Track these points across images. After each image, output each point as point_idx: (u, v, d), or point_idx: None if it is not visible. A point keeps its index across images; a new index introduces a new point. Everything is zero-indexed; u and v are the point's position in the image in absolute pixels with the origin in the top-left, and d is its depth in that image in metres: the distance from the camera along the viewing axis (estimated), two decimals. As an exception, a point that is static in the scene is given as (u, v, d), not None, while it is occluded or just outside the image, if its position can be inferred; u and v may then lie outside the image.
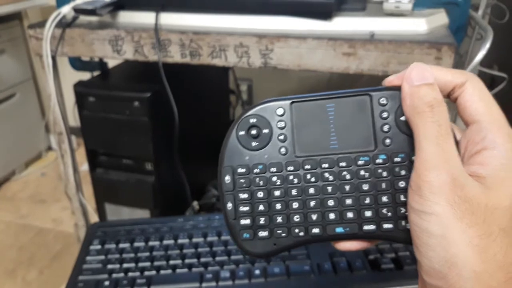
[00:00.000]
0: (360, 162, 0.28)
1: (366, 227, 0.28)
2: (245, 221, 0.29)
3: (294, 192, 0.28)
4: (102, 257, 0.58)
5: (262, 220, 0.29)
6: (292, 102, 0.29)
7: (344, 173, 0.28)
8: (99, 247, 0.60)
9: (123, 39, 0.75)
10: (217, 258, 0.56)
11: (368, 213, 0.28)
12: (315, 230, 0.28)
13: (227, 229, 0.29)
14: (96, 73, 1.00)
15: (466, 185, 0.24)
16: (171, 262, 0.56)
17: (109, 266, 0.57)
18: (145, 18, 0.75)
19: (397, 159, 0.27)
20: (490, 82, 1.14)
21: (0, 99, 1.66)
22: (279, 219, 0.28)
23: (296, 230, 0.28)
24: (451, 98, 0.27)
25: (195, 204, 0.97)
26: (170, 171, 0.91)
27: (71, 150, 0.89)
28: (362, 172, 0.28)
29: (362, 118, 0.28)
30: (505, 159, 0.24)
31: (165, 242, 0.59)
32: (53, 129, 0.88)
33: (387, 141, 0.27)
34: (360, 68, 0.65)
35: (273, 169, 0.28)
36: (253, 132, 0.29)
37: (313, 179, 0.28)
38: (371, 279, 0.51)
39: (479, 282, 0.23)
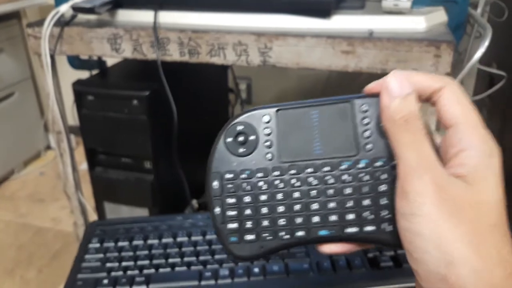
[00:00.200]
0: (343, 167, 0.29)
1: (349, 230, 0.28)
2: (233, 225, 0.29)
3: (279, 196, 0.29)
4: (101, 255, 0.58)
5: (249, 224, 0.29)
6: (277, 110, 0.30)
7: (328, 177, 0.29)
8: (98, 245, 0.60)
9: (122, 38, 0.75)
10: (216, 256, 0.56)
11: (351, 216, 0.28)
12: (300, 233, 0.29)
13: (215, 233, 0.30)
14: (94, 72, 1.00)
15: (449, 185, 0.24)
16: (170, 260, 0.56)
17: (108, 265, 0.56)
18: (144, 16, 0.75)
19: (378, 164, 0.28)
20: (489, 80, 1.14)
21: (-2, 98, 1.66)
22: (266, 223, 0.29)
23: (282, 233, 0.29)
24: (430, 103, 0.28)
25: (194, 202, 0.97)
26: (169, 170, 0.91)
27: (70, 149, 0.89)
28: (344, 176, 0.29)
29: (345, 125, 0.29)
30: (482, 158, 0.25)
31: (164, 240, 0.59)
32: (52, 128, 0.88)
33: (369, 146, 0.28)
34: (359, 66, 0.65)
35: (260, 174, 0.29)
36: (241, 138, 0.30)
37: (298, 184, 0.29)
38: (370, 277, 0.51)
39: (481, 280, 0.23)
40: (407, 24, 0.66)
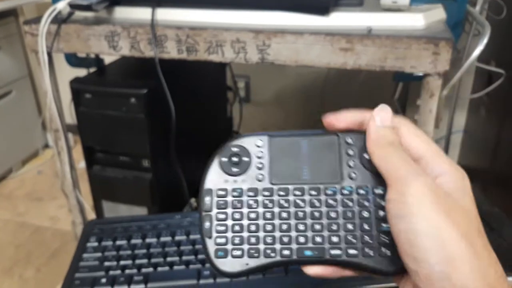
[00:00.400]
0: (328, 192, 0.31)
1: (333, 252, 0.30)
2: (221, 240, 0.31)
3: (268, 215, 0.31)
4: (99, 254, 0.58)
5: (236, 240, 0.30)
6: (270, 136, 0.32)
7: (314, 200, 0.31)
8: (96, 244, 0.59)
9: (119, 35, 0.74)
10: (215, 255, 0.56)
11: (335, 239, 0.30)
12: (286, 252, 0.30)
13: (202, 247, 0.31)
14: (92, 70, 1.00)
15: (439, 190, 0.27)
16: (169, 259, 0.56)
17: (106, 263, 0.56)
18: (141, 13, 0.74)
19: (362, 192, 0.30)
20: (488, 78, 1.14)
21: (-4, 97, 1.65)
22: (253, 240, 0.30)
23: (268, 251, 0.30)
24: None
25: (193, 201, 0.97)
26: (167, 168, 0.91)
27: (67, 148, 0.88)
28: (330, 201, 0.30)
29: (331, 155, 0.31)
30: (456, 182, 0.28)
31: (162, 239, 0.59)
32: (49, 127, 0.87)
33: (353, 175, 0.31)
34: (357, 63, 0.65)
35: (250, 193, 0.31)
36: (234, 159, 0.32)
37: (285, 205, 0.31)
38: (368, 276, 0.51)
39: (479, 278, 0.24)
40: (405, 21, 0.66)
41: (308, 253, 0.30)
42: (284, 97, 1.60)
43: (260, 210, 0.31)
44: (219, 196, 0.31)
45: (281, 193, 0.31)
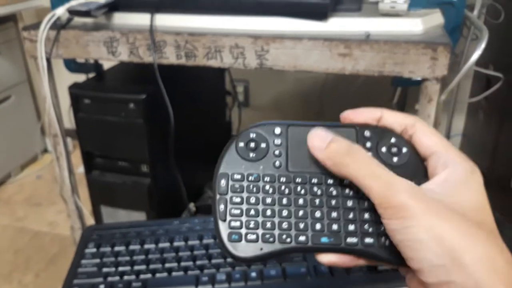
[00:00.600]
0: (345, 182, 0.30)
1: (349, 240, 0.29)
2: (235, 223, 0.30)
3: (284, 201, 0.30)
4: (97, 260, 0.57)
5: (252, 224, 0.30)
6: (289, 125, 0.32)
7: (331, 189, 0.30)
8: (94, 250, 0.59)
9: (118, 41, 0.74)
10: (213, 261, 0.55)
11: (351, 227, 0.30)
12: (302, 238, 0.30)
13: (215, 231, 0.30)
14: (91, 75, 1.00)
15: (426, 193, 0.27)
16: (167, 265, 0.56)
17: (105, 270, 0.56)
18: (140, 19, 0.74)
19: None
20: (486, 82, 1.14)
21: (-5, 102, 1.65)
22: (268, 224, 0.30)
23: (284, 236, 0.30)
24: (405, 136, 0.32)
25: (192, 206, 0.97)
26: (166, 173, 0.91)
27: (66, 153, 0.88)
28: (347, 191, 0.30)
29: None
30: (465, 174, 0.28)
31: (161, 245, 0.59)
32: (48, 132, 0.87)
33: None
34: (356, 68, 0.65)
35: (267, 179, 0.31)
36: (252, 145, 0.32)
37: (302, 192, 0.30)
38: (367, 281, 0.51)
39: (485, 266, 0.24)
40: (404, 26, 0.66)
41: (324, 240, 0.29)
42: (283, 102, 1.60)
43: (276, 196, 0.30)
44: (234, 180, 0.31)
45: (298, 180, 0.31)
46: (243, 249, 0.30)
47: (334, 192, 0.30)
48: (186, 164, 0.94)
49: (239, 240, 0.30)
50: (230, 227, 0.30)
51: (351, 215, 0.30)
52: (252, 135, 0.32)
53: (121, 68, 1.02)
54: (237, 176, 0.31)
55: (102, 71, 1.02)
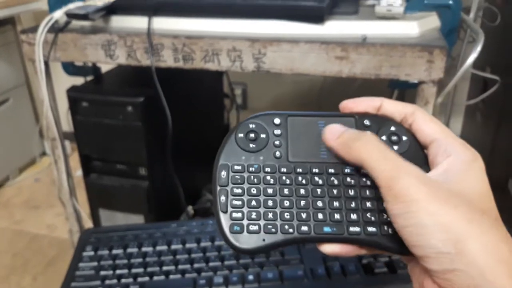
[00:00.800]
0: (346, 170, 0.30)
1: (352, 229, 0.29)
2: (237, 214, 0.30)
3: (286, 191, 0.30)
4: (95, 263, 0.58)
5: (253, 215, 0.30)
6: (288, 115, 0.32)
7: (332, 178, 0.30)
8: (92, 253, 0.59)
9: (116, 44, 0.75)
10: (211, 264, 0.56)
11: (353, 216, 0.29)
12: (304, 228, 0.29)
13: (216, 223, 0.30)
14: (89, 78, 1.00)
15: (431, 180, 0.27)
16: (164, 268, 0.56)
17: (102, 273, 0.56)
18: (138, 22, 0.75)
19: None
20: (483, 84, 1.14)
21: (-7, 104, 1.65)
22: (270, 215, 0.30)
23: (286, 227, 0.29)
24: (405, 125, 0.32)
25: (190, 208, 0.97)
26: (164, 176, 0.91)
27: (64, 156, 0.88)
28: (348, 179, 0.30)
29: None
30: (466, 162, 0.28)
31: (158, 248, 0.59)
32: (46, 135, 0.87)
33: None
34: (352, 71, 0.65)
35: (267, 169, 0.31)
36: (251, 135, 0.31)
37: (304, 181, 0.30)
38: (364, 283, 0.51)
39: (489, 253, 0.24)
40: (400, 29, 0.66)
41: (327, 229, 0.29)
42: (281, 104, 1.61)
43: (278, 186, 0.30)
44: (235, 171, 0.31)
45: (299, 170, 0.30)
46: (245, 241, 0.29)
47: (336, 182, 0.30)
48: (184, 167, 0.94)
49: (241, 231, 0.29)
50: (232, 219, 0.30)
51: (353, 204, 0.30)
52: (252, 126, 0.32)
53: (119, 71, 1.02)
54: (238, 167, 0.31)
55: (100, 74, 1.02)
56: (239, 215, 0.30)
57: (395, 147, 0.30)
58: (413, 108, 0.31)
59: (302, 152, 0.31)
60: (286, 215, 0.30)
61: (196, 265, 0.56)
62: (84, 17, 0.73)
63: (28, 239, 1.44)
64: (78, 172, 1.01)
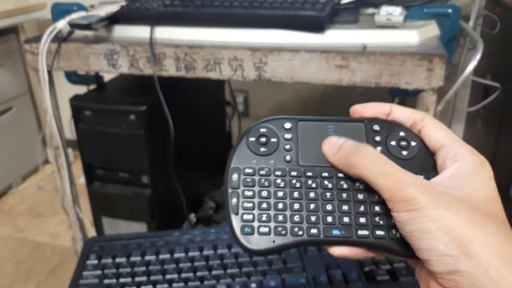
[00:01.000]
0: None
1: (360, 232, 0.30)
2: (248, 216, 0.30)
3: (296, 194, 0.31)
4: (99, 272, 0.58)
5: (264, 217, 0.30)
6: (298, 120, 0.33)
7: (342, 182, 0.31)
8: (95, 262, 0.60)
9: (118, 53, 0.75)
10: (213, 272, 0.56)
11: (362, 219, 0.30)
12: (313, 231, 0.30)
13: (228, 225, 0.31)
14: (92, 87, 1.01)
15: (435, 186, 0.27)
16: (168, 276, 0.56)
17: (106, 281, 0.56)
18: (140, 32, 0.75)
19: None
20: (484, 91, 1.15)
21: (-4, 113, 1.66)
22: (280, 217, 0.30)
23: (296, 229, 0.30)
24: (414, 131, 0.32)
25: (192, 216, 0.97)
26: (166, 184, 0.91)
27: (67, 164, 0.89)
28: (357, 184, 0.31)
29: (358, 140, 0.31)
30: (474, 167, 0.29)
31: (161, 256, 0.59)
32: (49, 143, 0.88)
33: None
34: (352, 80, 0.66)
35: (278, 173, 0.31)
36: (262, 139, 0.32)
37: (313, 185, 0.31)
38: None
39: (494, 254, 0.24)
40: (400, 38, 0.67)
41: (336, 232, 0.30)
42: (283, 111, 1.61)
43: (288, 189, 0.31)
44: (246, 174, 0.31)
45: (309, 174, 0.31)
46: (256, 242, 0.30)
47: (345, 186, 0.31)
48: (186, 174, 0.94)
49: (252, 233, 0.30)
50: (243, 220, 0.30)
51: (362, 208, 0.30)
52: (263, 130, 0.32)
53: (121, 80, 1.03)
54: (249, 170, 0.31)
55: (102, 83, 1.03)
56: (250, 217, 0.30)
57: (404, 152, 0.31)
58: (422, 114, 0.32)
59: (312, 156, 0.32)
60: (296, 218, 0.30)
61: (199, 274, 0.56)
62: (87, 27, 0.74)
63: (31, 247, 1.44)
64: (81, 180, 1.02)
